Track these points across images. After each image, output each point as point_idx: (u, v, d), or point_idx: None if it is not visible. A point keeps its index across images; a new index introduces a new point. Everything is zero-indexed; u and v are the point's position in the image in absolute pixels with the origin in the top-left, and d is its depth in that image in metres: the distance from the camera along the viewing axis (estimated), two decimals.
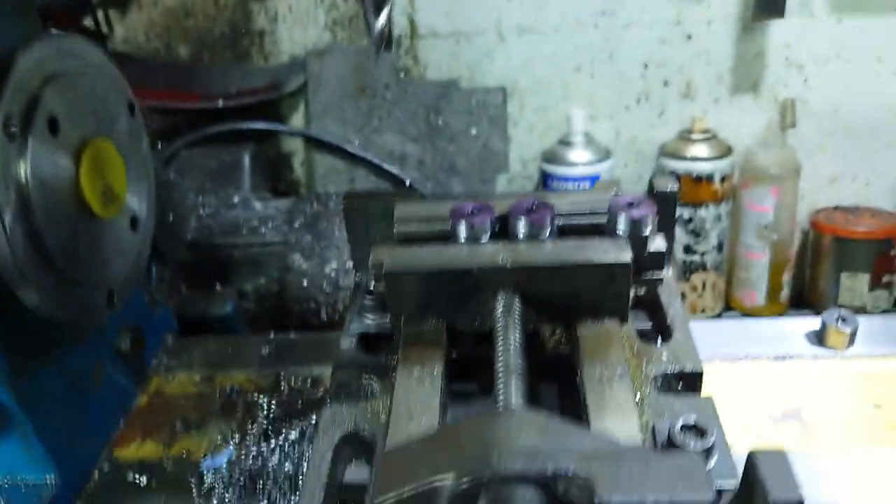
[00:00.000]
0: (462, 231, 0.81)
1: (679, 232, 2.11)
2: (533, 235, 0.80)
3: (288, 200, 1.64)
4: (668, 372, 0.77)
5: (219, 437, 1.05)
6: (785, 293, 2.21)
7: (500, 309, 0.75)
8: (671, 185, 0.89)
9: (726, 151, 2.10)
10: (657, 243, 0.82)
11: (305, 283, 1.50)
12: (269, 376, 1.16)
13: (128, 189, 0.94)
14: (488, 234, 0.81)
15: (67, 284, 0.82)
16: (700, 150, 2.07)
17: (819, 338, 1.15)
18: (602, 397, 0.71)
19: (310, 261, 1.50)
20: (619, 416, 0.68)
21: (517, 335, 0.72)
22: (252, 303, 1.54)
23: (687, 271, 2.16)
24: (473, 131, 2.04)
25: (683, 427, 0.68)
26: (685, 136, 2.11)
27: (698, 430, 0.68)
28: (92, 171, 0.84)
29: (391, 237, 0.93)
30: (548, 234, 0.80)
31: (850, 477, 0.89)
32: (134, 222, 0.96)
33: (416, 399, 0.71)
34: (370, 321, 0.88)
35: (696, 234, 2.09)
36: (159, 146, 1.71)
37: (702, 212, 2.07)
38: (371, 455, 0.76)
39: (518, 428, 0.58)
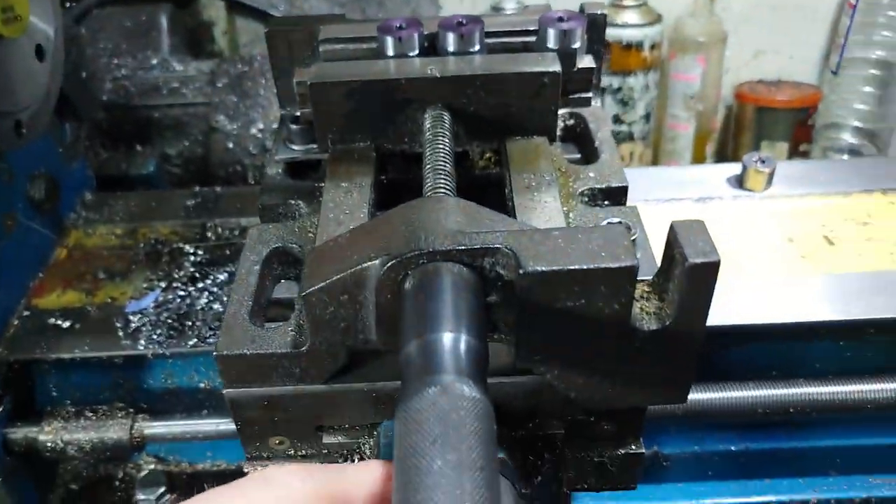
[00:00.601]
0: (389, 46, 0.78)
1: (608, 101, 2.13)
2: (462, 51, 0.78)
3: (210, 61, 1.56)
4: (595, 188, 0.78)
5: (144, 284, 1.03)
6: (708, 164, 2.28)
7: (429, 121, 0.74)
8: (601, 9, 0.88)
9: (656, 19, 2.09)
10: (586, 60, 0.82)
11: (231, 146, 1.45)
12: (194, 227, 1.14)
13: (31, 13, 0.87)
14: (417, 50, 0.79)
15: None
16: (630, 16, 2.07)
17: (739, 181, 1.19)
18: (530, 202, 0.72)
19: (235, 122, 1.45)
20: (545, 218, 0.70)
21: (447, 141, 0.71)
22: (176, 166, 1.48)
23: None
24: None
25: (608, 224, 0.70)
26: (616, 3, 2.09)
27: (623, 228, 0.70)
28: None
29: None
30: (477, 49, 0.79)
31: (769, 299, 0.94)
32: (40, 51, 0.90)
33: (345, 207, 0.71)
34: (296, 149, 0.85)
35: (624, 103, 2.11)
36: (68, 4, 1.59)
37: (630, 80, 2.08)
38: (300, 272, 0.75)
39: (446, 212, 0.58)
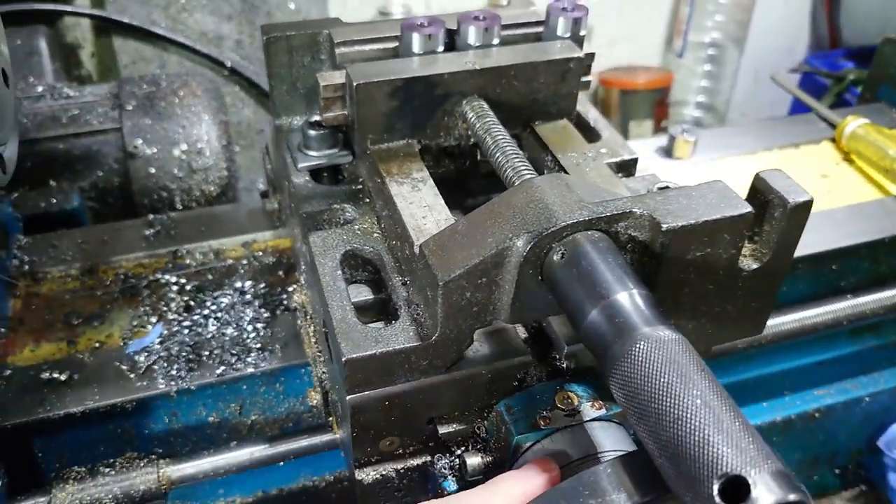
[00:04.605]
0: (416, 43, 0.80)
1: None
2: (486, 44, 0.82)
3: (107, 84, 1.45)
4: (611, 162, 0.85)
5: (133, 322, 0.96)
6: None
7: (470, 111, 0.77)
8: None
9: None
10: (587, 47, 0.89)
11: (153, 171, 1.35)
12: (164, 256, 1.06)
13: None
14: (442, 46, 0.81)
15: None
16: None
17: (668, 151, 1.32)
18: (585, 177, 0.77)
19: (154, 145, 1.36)
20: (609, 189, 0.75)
21: (501, 127, 0.74)
22: (91, 200, 1.36)
23: None
24: (292, 6, 1.92)
25: (661, 187, 0.77)
26: (495, 3, 2.19)
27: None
28: None
29: (318, 70, 0.89)
30: (497, 42, 0.82)
31: None
32: (5, 76, 0.80)
33: (421, 202, 0.72)
34: (316, 154, 0.84)
35: None
36: None
37: None
38: (370, 272, 0.75)
39: (566, 188, 0.61)
